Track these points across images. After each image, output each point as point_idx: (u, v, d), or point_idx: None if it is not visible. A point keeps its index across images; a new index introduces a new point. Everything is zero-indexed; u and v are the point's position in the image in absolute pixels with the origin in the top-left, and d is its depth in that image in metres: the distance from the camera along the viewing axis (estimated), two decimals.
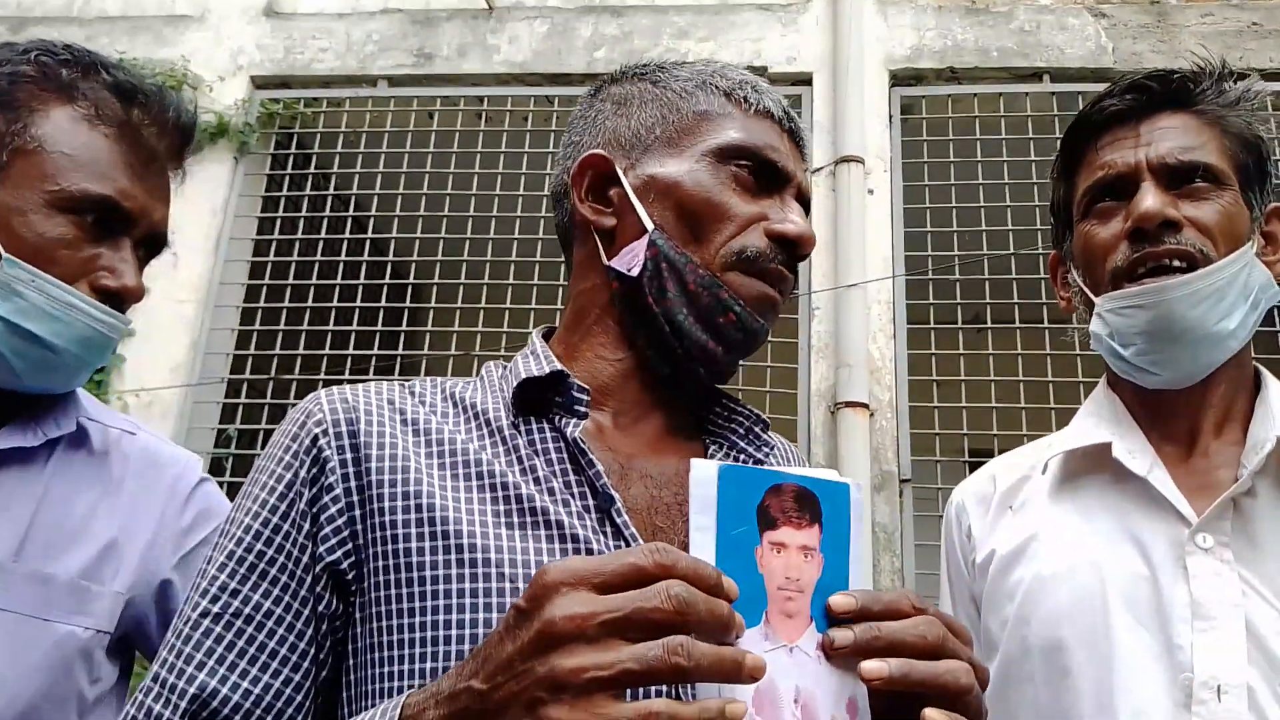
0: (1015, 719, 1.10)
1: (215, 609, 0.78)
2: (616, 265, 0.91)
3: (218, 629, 0.77)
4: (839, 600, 0.65)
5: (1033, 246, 3.60)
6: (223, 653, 0.76)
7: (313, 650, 0.78)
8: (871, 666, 0.62)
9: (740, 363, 0.95)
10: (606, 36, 4.08)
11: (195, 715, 0.75)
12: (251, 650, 0.77)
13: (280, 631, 0.77)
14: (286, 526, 0.79)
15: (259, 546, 0.79)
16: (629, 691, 0.60)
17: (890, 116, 3.85)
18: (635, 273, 0.89)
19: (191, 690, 0.75)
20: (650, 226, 0.90)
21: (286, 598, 0.78)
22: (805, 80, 3.91)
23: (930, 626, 0.64)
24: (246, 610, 0.78)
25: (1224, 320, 1.08)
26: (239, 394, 3.85)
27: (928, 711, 0.62)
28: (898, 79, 3.91)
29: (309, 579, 0.78)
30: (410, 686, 0.74)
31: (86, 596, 1.10)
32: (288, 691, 0.77)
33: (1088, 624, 1.06)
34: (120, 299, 1.10)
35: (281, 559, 0.79)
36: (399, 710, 0.65)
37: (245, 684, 0.76)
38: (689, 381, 0.93)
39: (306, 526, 0.79)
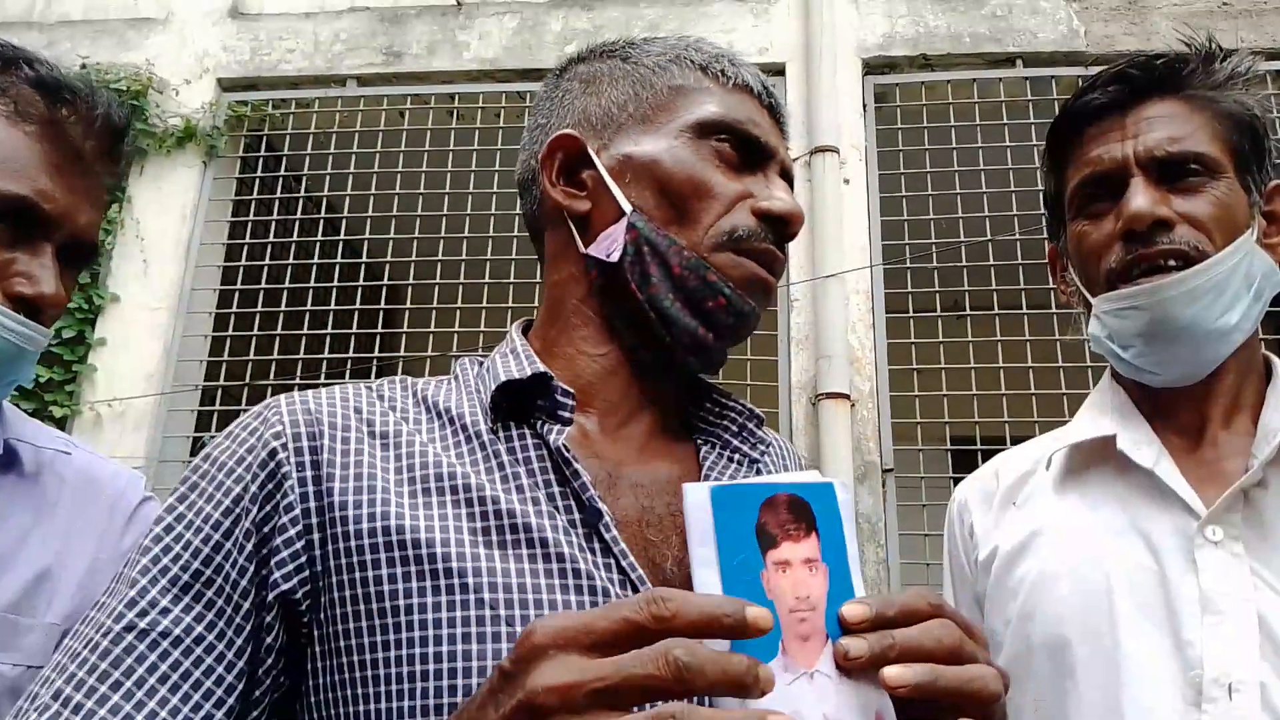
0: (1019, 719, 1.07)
1: (142, 624, 0.69)
2: (594, 252, 0.85)
3: (141, 646, 0.69)
4: (851, 610, 0.59)
5: (1009, 232, 3.60)
6: (143, 674, 0.68)
7: (241, 684, 0.71)
8: (895, 673, 0.56)
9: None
10: (577, 31, 4.05)
11: None
12: (175, 676, 0.69)
13: (209, 660, 0.70)
14: (229, 545, 0.72)
15: (196, 565, 0.71)
16: None
17: (864, 105, 3.84)
18: (615, 258, 0.83)
19: (101, 712, 0.66)
20: (628, 208, 0.84)
21: (220, 623, 0.71)
22: (778, 71, 3.89)
23: (946, 630, 0.59)
24: (176, 631, 0.69)
25: (1225, 315, 1.04)
26: (214, 401, 3.80)
27: None
28: (871, 67, 3.90)
29: (247, 605, 0.71)
30: None
31: (15, 631, 1.02)
32: None
33: (1093, 620, 1.03)
34: (37, 308, 1.01)
35: (220, 580, 0.71)
36: None
37: (164, 712, 0.68)
38: (679, 373, 0.88)
39: (249, 547, 0.72)
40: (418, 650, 0.69)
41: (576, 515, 0.76)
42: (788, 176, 0.91)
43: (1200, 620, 0.98)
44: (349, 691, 0.70)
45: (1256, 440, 1.05)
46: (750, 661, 0.51)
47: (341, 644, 0.71)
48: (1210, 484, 1.04)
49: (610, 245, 0.84)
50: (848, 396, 3.42)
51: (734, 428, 0.89)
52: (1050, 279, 1.26)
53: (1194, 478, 1.05)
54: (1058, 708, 1.04)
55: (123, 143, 1.10)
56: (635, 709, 0.51)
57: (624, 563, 0.74)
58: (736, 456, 0.88)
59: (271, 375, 3.77)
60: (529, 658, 0.53)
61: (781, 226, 0.86)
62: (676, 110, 0.87)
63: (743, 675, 0.51)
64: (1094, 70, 1.17)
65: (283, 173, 4.14)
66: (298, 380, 3.74)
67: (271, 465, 0.74)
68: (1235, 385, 1.09)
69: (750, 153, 0.87)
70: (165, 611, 0.70)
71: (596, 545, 0.74)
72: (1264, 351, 1.14)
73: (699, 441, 0.89)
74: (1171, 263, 1.04)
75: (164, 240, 3.91)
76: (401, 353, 3.94)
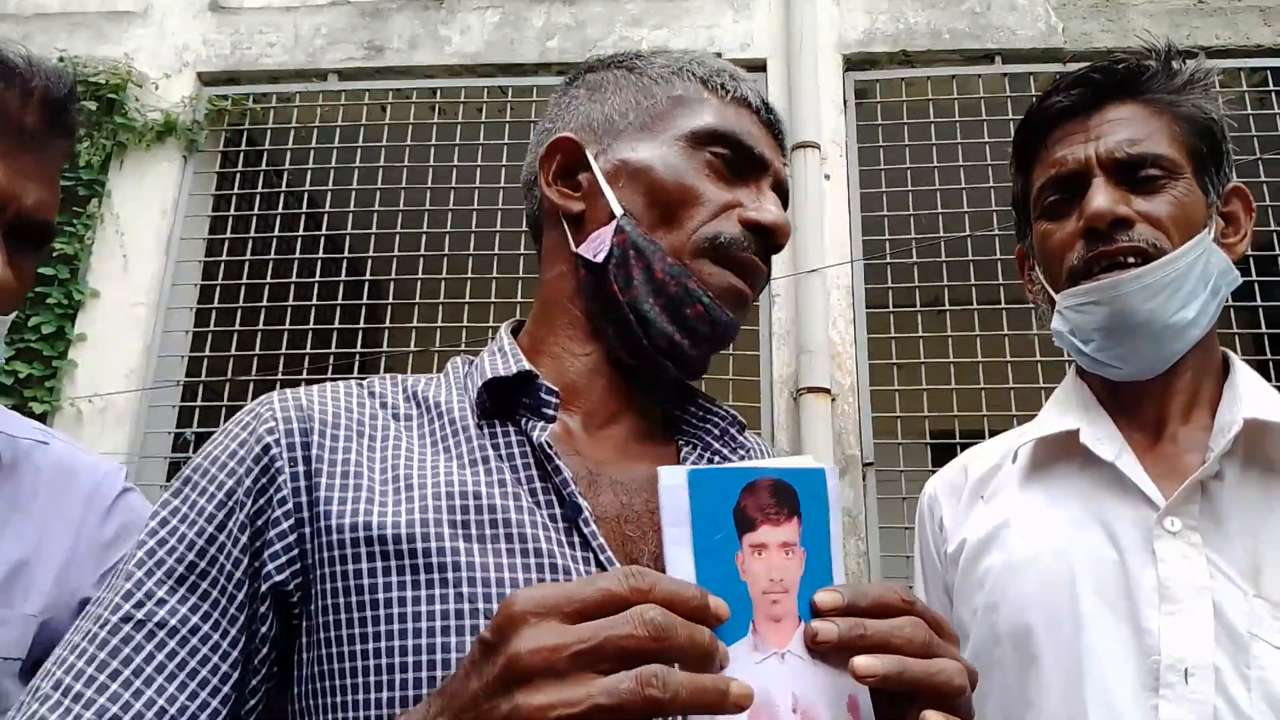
0: (985, 706, 1.10)
1: (139, 615, 0.71)
2: (583, 252, 0.88)
3: (138, 637, 0.71)
4: (824, 597, 0.61)
5: (988, 228, 3.63)
6: (140, 664, 0.70)
7: (236, 674, 0.73)
8: (864, 663, 0.58)
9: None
10: (559, 25, 4.05)
11: None
12: (171, 665, 0.71)
13: (204, 650, 0.72)
14: (222, 538, 0.74)
15: (190, 557, 0.74)
16: None
17: (845, 101, 3.85)
18: (601, 259, 0.86)
19: (101, 701, 0.68)
20: (619, 212, 0.87)
21: (215, 614, 0.73)
22: (760, 66, 3.90)
23: (916, 627, 0.61)
24: (172, 622, 0.72)
25: (1182, 310, 1.07)
26: (195, 397, 3.79)
27: (928, 714, 0.59)
28: (851, 63, 3.91)
29: (241, 596, 0.74)
30: (366, 717, 0.70)
31: None
32: (203, 716, 0.71)
33: (1056, 609, 1.06)
34: None
35: (214, 572, 0.73)
36: None
37: (161, 701, 0.70)
38: (657, 376, 0.90)
39: (244, 540, 0.74)
40: (397, 643, 0.70)
41: (557, 510, 0.77)
42: (781, 190, 0.93)
43: (1158, 608, 1.01)
44: (330, 683, 0.72)
45: (1213, 434, 1.08)
46: (712, 636, 0.55)
47: (323, 635, 0.73)
48: (1170, 477, 1.07)
49: (598, 246, 0.87)
50: (828, 391, 3.44)
51: (716, 431, 0.92)
52: (1020, 278, 1.29)
53: (1154, 471, 1.08)
54: (1022, 694, 1.07)
55: (68, 114, 1.05)
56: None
57: (602, 557, 0.76)
58: (717, 460, 0.90)
59: (253, 371, 3.76)
60: (509, 626, 0.54)
61: (767, 237, 0.88)
62: (674, 119, 0.90)
63: (704, 641, 0.54)
64: (1072, 67, 1.20)
65: (264, 167, 4.12)
66: (280, 376, 3.73)
67: (265, 460, 0.76)
68: (1194, 382, 1.13)
69: (744, 164, 0.90)
70: (161, 603, 0.72)
71: (576, 540, 0.76)
72: (1222, 349, 1.17)
73: (681, 443, 0.92)
74: (1131, 259, 1.08)
75: (144, 235, 3.89)
76: (384, 348, 3.94)
